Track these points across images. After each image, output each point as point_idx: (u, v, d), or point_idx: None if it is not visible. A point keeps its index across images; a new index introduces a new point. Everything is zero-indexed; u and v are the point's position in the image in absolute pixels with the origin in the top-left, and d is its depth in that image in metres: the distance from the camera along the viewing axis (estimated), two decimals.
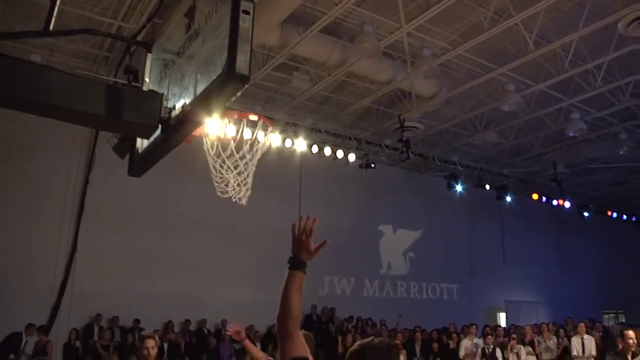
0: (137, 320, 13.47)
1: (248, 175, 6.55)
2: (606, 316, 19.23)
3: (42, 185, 13.13)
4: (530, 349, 13.60)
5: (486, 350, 13.42)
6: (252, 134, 6.85)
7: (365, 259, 17.72)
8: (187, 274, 14.31)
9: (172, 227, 14.40)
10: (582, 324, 13.40)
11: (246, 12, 3.25)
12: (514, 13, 10.75)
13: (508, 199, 19.11)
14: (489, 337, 13.80)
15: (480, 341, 13.83)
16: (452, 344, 14.24)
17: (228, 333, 5.84)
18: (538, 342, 13.91)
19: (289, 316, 2.44)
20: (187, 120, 3.85)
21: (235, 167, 6.42)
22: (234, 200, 6.56)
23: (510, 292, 20.66)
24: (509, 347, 13.41)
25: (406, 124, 15.03)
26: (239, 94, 3.42)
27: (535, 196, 20.09)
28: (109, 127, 4.79)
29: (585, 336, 13.08)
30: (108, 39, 11.83)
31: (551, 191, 19.93)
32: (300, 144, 15.26)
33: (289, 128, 15.08)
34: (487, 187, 18.66)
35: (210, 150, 6.49)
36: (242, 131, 6.46)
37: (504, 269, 20.57)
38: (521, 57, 12.23)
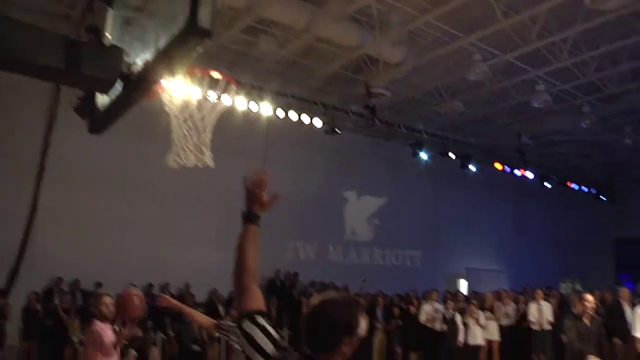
0: (99, 284, 13.34)
1: (209, 136, 6.45)
2: (563, 284, 19.66)
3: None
4: (489, 314, 13.87)
5: (446, 315, 13.68)
6: (215, 93, 6.71)
7: (330, 224, 17.83)
8: (150, 238, 14.23)
9: (136, 190, 14.27)
10: (539, 291, 13.71)
11: None
12: None
13: (472, 167, 19.28)
14: (450, 302, 14.04)
15: (440, 306, 14.08)
16: (412, 309, 14.45)
17: (160, 305, 5.67)
18: (497, 307, 14.20)
19: (244, 270, 2.44)
20: (148, 76, 3.77)
21: (197, 128, 6.32)
22: (196, 163, 6.48)
23: (472, 260, 20.98)
24: (469, 312, 13.66)
25: (373, 90, 15.02)
26: (201, 50, 3.34)
27: (498, 166, 20.32)
28: (68, 81, 4.66)
29: (542, 302, 13.40)
30: None
31: (514, 161, 20.16)
32: (266, 108, 15.17)
33: (255, 92, 14.95)
34: (452, 155, 18.77)
35: (172, 110, 6.38)
36: (205, 90, 6.34)
37: (466, 237, 20.84)
38: (489, 27, 12.26)
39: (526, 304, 13.91)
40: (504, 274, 20.97)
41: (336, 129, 16.28)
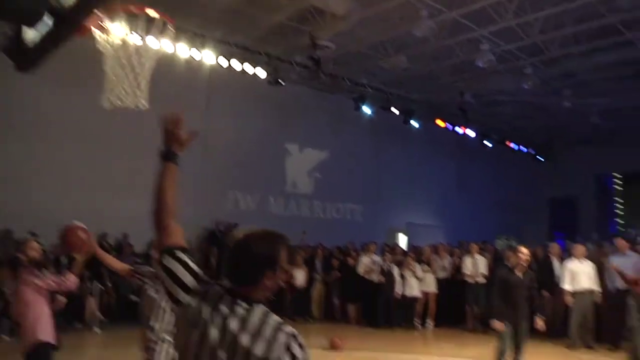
0: (33, 234, 12.95)
1: (146, 78, 6.26)
2: (499, 241, 20.19)
3: None
4: (426, 266, 14.21)
5: (384, 267, 13.92)
6: (152, 34, 6.47)
7: (271, 176, 17.78)
8: (87, 187, 13.90)
9: (70, 137, 13.87)
10: (474, 245, 14.06)
11: None
12: None
13: (415, 123, 19.42)
14: (388, 255, 14.28)
15: (378, 258, 14.30)
16: (351, 261, 14.65)
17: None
18: (434, 260, 14.52)
19: (163, 208, 2.43)
20: (79, 10, 3.63)
21: (133, 69, 6.12)
22: (130, 105, 6.28)
23: (412, 215, 21.31)
24: (406, 264, 13.94)
25: (318, 42, 14.86)
26: None
27: (440, 123, 20.53)
28: None
29: (477, 256, 13.76)
30: None
31: (457, 119, 20.39)
32: (208, 57, 14.89)
33: (198, 39, 14.62)
34: (395, 111, 18.84)
35: (107, 50, 6.14)
36: (141, 30, 6.11)
37: (407, 193, 21.11)
38: None
39: (461, 258, 14.27)
40: (443, 229, 21.36)
41: (280, 80, 16.09)
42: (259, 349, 2.12)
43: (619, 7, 13.26)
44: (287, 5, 13.79)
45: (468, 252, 14.10)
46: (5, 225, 12.75)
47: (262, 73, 15.97)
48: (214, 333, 2.16)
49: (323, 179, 19.01)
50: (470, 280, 13.59)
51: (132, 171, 14.53)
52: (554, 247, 13.30)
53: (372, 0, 13.62)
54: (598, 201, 26.49)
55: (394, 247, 15.76)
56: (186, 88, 14.95)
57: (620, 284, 10.17)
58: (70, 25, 3.84)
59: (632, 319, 8.12)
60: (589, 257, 11.82)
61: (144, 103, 6.32)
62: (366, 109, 18.33)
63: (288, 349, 2.13)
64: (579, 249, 11.74)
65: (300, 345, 2.17)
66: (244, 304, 2.21)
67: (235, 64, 15.55)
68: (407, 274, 13.87)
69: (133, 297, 13.18)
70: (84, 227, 5.28)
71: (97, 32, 5.83)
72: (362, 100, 18.24)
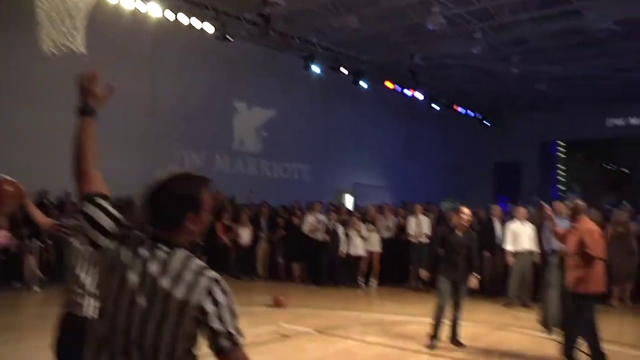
0: None
1: (83, 21, 6.02)
2: (444, 203, 20.45)
3: None
4: (371, 226, 14.32)
5: (329, 226, 13.98)
6: None
7: (218, 133, 17.53)
8: (27, 144, 13.48)
9: (8, 92, 13.38)
10: (418, 205, 14.22)
11: None
12: None
13: (364, 84, 19.38)
14: (333, 214, 14.33)
15: (324, 218, 14.34)
16: (296, 220, 14.66)
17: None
18: (378, 220, 14.64)
19: (82, 157, 2.38)
20: None
21: (68, 11, 5.87)
22: (65, 49, 6.04)
23: (359, 176, 21.41)
24: (351, 224, 14.03)
25: None
26: None
27: (389, 84, 20.53)
28: None
29: (421, 216, 13.94)
30: None
31: (406, 81, 20.42)
32: (154, 9, 14.50)
33: None
34: (345, 71, 18.76)
35: None
36: None
37: (354, 153, 21.17)
38: None
39: (406, 218, 14.43)
40: (389, 190, 21.54)
41: (228, 36, 15.78)
42: (179, 292, 2.05)
43: None
44: None
45: (412, 212, 14.26)
46: None
47: (209, 28, 15.64)
48: (133, 277, 2.09)
49: (271, 138, 18.86)
50: (413, 240, 13.77)
51: (71, 129, 14.13)
52: (496, 209, 13.57)
53: None
54: (541, 167, 27.14)
55: (339, 207, 15.82)
56: (131, 41, 14.58)
57: (556, 245, 10.41)
58: None
59: (551, 275, 8.33)
60: (530, 219, 12.11)
61: (80, 48, 6.08)
62: (315, 69, 18.19)
63: (209, 293, 2.06)
64: (521, 211, 12.01)
65: (223, 290, 2.10)
66: (165, 248, 2.14)
67: (183, 18, 15.19)
68: (352, 233, 13.97)
69: None
70: (11, 179, 5.04)
71: None
72: (311, 59, 18.07)
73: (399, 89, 20.89)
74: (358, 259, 14.08)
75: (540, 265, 11.58)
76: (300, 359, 7.16)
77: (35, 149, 13.49)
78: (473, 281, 8.19)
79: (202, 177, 2.25)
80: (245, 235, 14.53)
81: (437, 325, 8.06)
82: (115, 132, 13.78)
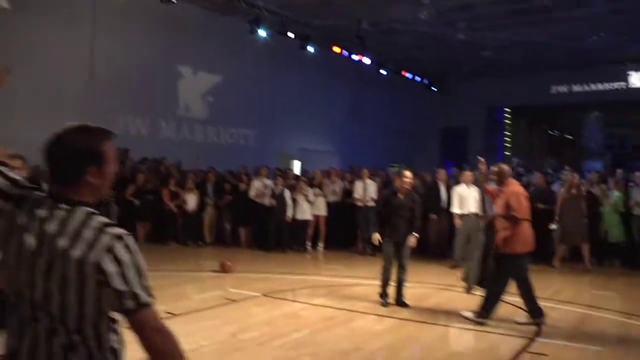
0: None
1: None
2: (391, 168, 20.62)
3: None
4: (318, 190, 14.34)
5: (275, 191, 13.91)
6: None
7: (162, 99, 17.10)
8: None
9: None
10: (365, 170, 14.27)
11: None
12: None
13: (311, 49, 19.19)
14: (279, 179, 14.25)
15: (270, 182, 14.27)
16: (242, 186, 14.55)
17: None
18: (325, 185, 14.65)
19: None
20: None
21: None
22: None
23: (306, 141, 21.32)
24: (298, 188, 14.00)
25: None
26: None
27: (337, 49, 20.39)
28: None
29: (368, 181, 14.00)
30: None
31: (353, 46, 20.30)
32: None
33: None
34: (291, 35, 18.53)
35: None
36: None
37: (302, 118, 21.03)
38: None
39: (353, 182, 14.48)
40: (336, 155, 21.56)
41: None
42: (76, 252, 1.89)
43: None
44: None
45: (359, 177, 14.31)
46: None
47: None
48: (30, 240, 1.94)
49: (217, 103, 18.53)
50: (360, 204, 13.83)
51: (10, 93, 13.64)
52: (441, 173, 13.74)
53: None
54: (487, 132, 27.54)
55: (286, 172, 15.74)
56: (68, 3, 14.07)
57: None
58: None
59: (480, 235, 8.52)
60: (476, 183, 12.26)
61: (3, 4, 5.80)
62: (262, 33, 17.86)
63: (110, 251, 1.88)
64: (467, 175, 12.14)
65: (127, 247, 1.92)
66: (66, 206, 1.98)
67: None
68: (299, 197, 13.95)
69: None
70: None
71: None
72: (257, 23, 17.72)
73: (346, 54, 20.75)
74: (305, 222, 14.11)
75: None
76: (247, 323, 7.12)
77: None
78: (412, 240, 8.33)
79: (102, 129, 2.08)
80: (191, 201, 14.37)
81: (384, 285, 8.31)
82: (51, 98, 13.40)
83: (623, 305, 8.80)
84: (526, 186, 13.33)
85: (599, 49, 20.50)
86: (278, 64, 19.86)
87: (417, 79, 25.28)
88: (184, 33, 17.14)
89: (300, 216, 13.96)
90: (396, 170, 17.70)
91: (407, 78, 24.62)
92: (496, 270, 7.22)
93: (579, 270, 11.68)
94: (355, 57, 20.99)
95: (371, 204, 13.56)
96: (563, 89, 25.63)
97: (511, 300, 7.65)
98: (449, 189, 12.92)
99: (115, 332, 2.03)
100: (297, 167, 20.25)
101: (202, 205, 14.64)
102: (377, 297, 8.39)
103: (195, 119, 18.12)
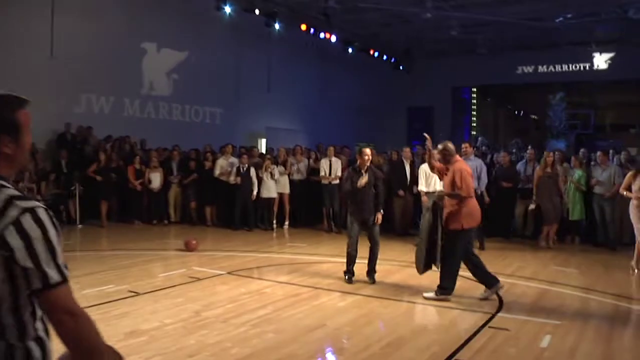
0: None
1: None
2: (358, 147, 20.66)
3: None
4: (283, 168, 14.31)
5: (241, 168, 13.84)
6: None
7: (126, 77, 16.76)
8: None
9: None
10: (331, 148, 14.26)
11: None
12: None
13: (277, 27, 19.01)
14: (244, 157, 14.17)
15: (235, 160, 14.18)
16: (207, 164, 14.45)
17: None
18: (290, 163, 14.62)
19: None
20: None
21: None
22: None
23: (272, 120, 21.22)
24: (264, 166, 13.95)
25: None
26: None
27: (303, 27, 20.24)
28: None
29: (333, 158, 14.00)
30: None
31: (320, 24, 20.17)
32: None
33: None
34: (257, 12, 18.33)
35: None
36: None
37: (268, 97, 20.88)
38: None
39: (318, 160, 14.48)
40: (303, 134, 21.49)
41: None
42: None
43: None
44: None
45: (325, 155, 14.31)
46: None
47: None
48: None
49: (182, 81, 18.25)
50: (325, 182, 13.84)
51: None
52: (406, 151, 13.78)
53: None
54: (453, 111, 27.74)
55: (250, 149, 15.65)
56: None
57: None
58: None
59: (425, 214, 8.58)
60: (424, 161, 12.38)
61: None
62: (227, 9, 17.61)
63: (16, 224, 1.74)
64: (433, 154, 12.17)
65: (38, 221, 1.77)
66: None
67: None
68: (265, 175, 13.91)
69: None
70: None
71: None
72: (223, 0, 17.50)
73: (313, 32, 20.61)
74: (270, 200, 14.09)
75: None
76: (211, 301, 7.10)
77: None
78: (378, 217, 8.43)
79: (13, 96, 1.92)
80: (156, 179, 14.24)
81: (350, 262, 8.38)
82: (9, 76, 13.06)
83: (582, 281, 8.98)
84: (490, 165, 13.59)
85: (565, 30, 20.69)
86: (244, 41, 19.65)
87: (384, 57, 25.25)
88: (147, 9, 16.83)
89: (265, 194, 13.93)
90: (357, 149, 17.79)
91: (374, 57, 24.58)
92: (447, 247, 7.34)
93: (541, 248, 11.86)
94: (321, 35, 20.86)
95: (336, 181, 13.61)
96: (529, 69, 25.88)
97: (469, 275, 7.74)
98: (413, 167, 13.01)
99: (42, 320, 1.88)
100: (263, 145, 20.17)
101: (167, 184, 14.52)
102: (342, 275, 8.44)
103: (159, 96, 17.85)
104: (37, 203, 1.82)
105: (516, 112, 37.15)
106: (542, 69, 25.65)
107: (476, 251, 8.64)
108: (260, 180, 13.89)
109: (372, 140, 21.08)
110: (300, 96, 22.47)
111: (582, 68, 24.75)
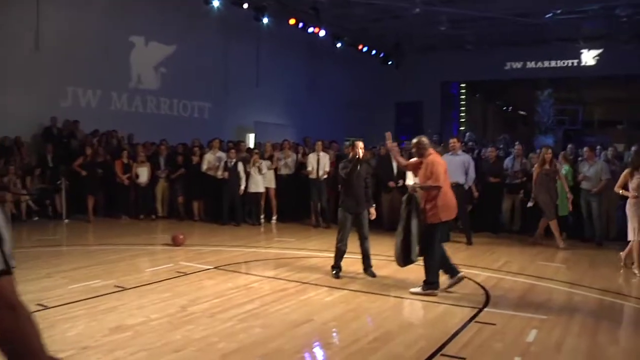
0: None
1: None
2: (347, 142, 20.62)
3: None
4: (270, 163, 14.29)
5: (228, 163, 13.79)
6: None
7: (114, 70, 16.67)
8: None
9: None
10: (319, 142, 14.22)
11: None
12: None
13: (265, 20, 18.94)
14: (232, 151, 14.12)
15: (223, 155, 14.14)
16: (195, 159, 14.40)
17: None
18: (278, 157, 14.58)
19: None
20: None
21: None
22: None
23: (260, 114, 21.17)
24: (252, 161, 13.91)
25: None
26: None
27: (292, 21, 20.17)
28: None
29: (321, 153, 13.97)
30: None
31: (309, 18, 20.11)
32: None
33: None
34: (246, 6, 18.25)
35: None
36: None
37: (256, 91, 20.84)
38: None
39: (306, 155, 14.45)
40: (292, 128, 21.47)
41: None
42: None
43: None
44: None
45: (313, 149, 14.28)
46: None
47: None
48: None
49: (170, 75, 18.18)
50: (313, 176, 13.81)
51: None
52: None
53: None
54: (442, 107, 27.75)
55: (238, 144, 15.62)
56: None
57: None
58: None
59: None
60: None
61: None
62: (216, 3, 17.53)
63: None
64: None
65: None
66: None
67: None
68: (252, 170, 13.87)
69: None
70: None
71: None
72: None
73: (301, 26, 20.55)
74: (258, 195, 14.05)
75: None
76: (198, 296, 7.07)
77: None
78: (372, 212, 8.49)
79: None
80: (143, 174, 14.17)
81: (339, 257, 8.36)
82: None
83: (569, 276, 9.02)
84: (478, 160, 13.61)
85: (554, 26, 20.74)
86: (232, 35, 19.60)
87: (373, 52, 25.22)
88: (135, 2, 16.75)
89: (253, 189, 13.90)
90: (349, 144, 17.77)
91: (363, 51, 24.55)
92: (425, 240, 7.36)
93: (528, 243, 11.89)
94: (310, 29, 20.80)
95: (324, 176, 13.59)
96: (517, 65, 25.92)
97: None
98: None
99: None
100: (252, 140, 20.11)
101: (154, 179, 14.45)
102: (329, 269, 8.43)
103: (147, 90, 17.77)
104: None
105: (505, 108, 37.22)
106: (530, 64, 25.70)
107: (465, 246, 8.68)
108: (248, 175, 13.86)
109: (360, 135, 21.03)
110: (289, 91, 22.43)
111: (570, 64, 24.83)
